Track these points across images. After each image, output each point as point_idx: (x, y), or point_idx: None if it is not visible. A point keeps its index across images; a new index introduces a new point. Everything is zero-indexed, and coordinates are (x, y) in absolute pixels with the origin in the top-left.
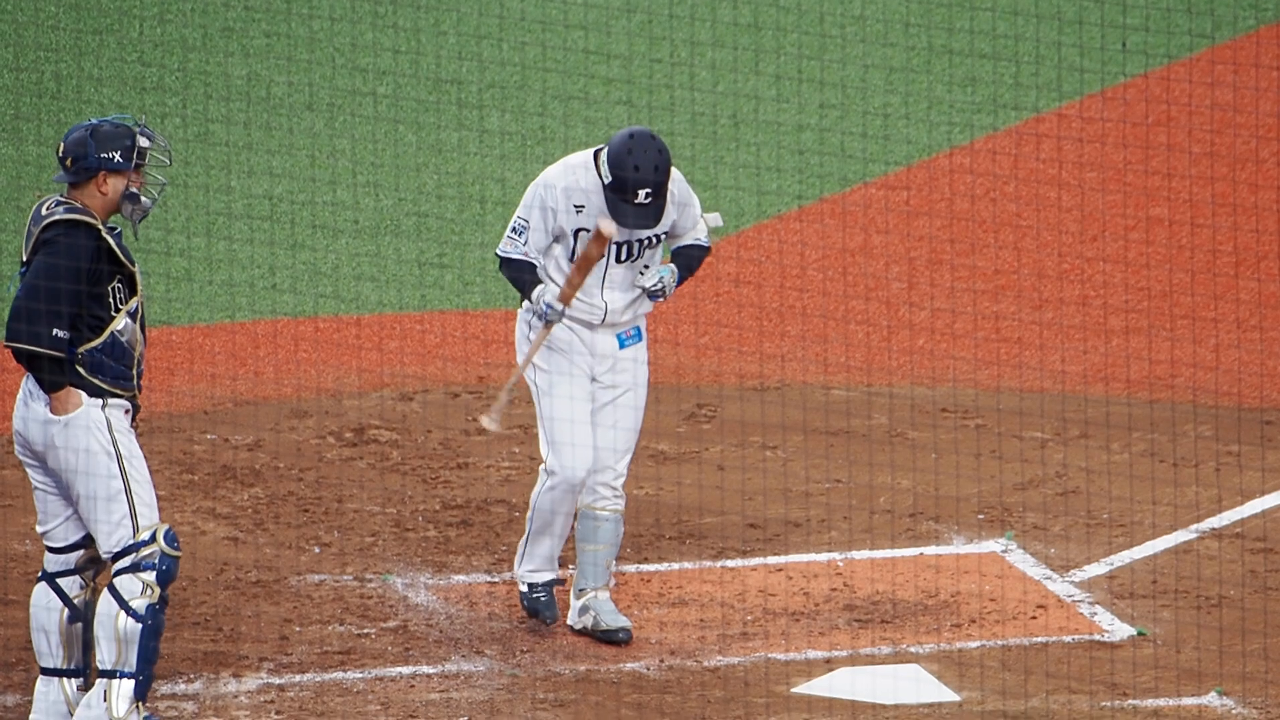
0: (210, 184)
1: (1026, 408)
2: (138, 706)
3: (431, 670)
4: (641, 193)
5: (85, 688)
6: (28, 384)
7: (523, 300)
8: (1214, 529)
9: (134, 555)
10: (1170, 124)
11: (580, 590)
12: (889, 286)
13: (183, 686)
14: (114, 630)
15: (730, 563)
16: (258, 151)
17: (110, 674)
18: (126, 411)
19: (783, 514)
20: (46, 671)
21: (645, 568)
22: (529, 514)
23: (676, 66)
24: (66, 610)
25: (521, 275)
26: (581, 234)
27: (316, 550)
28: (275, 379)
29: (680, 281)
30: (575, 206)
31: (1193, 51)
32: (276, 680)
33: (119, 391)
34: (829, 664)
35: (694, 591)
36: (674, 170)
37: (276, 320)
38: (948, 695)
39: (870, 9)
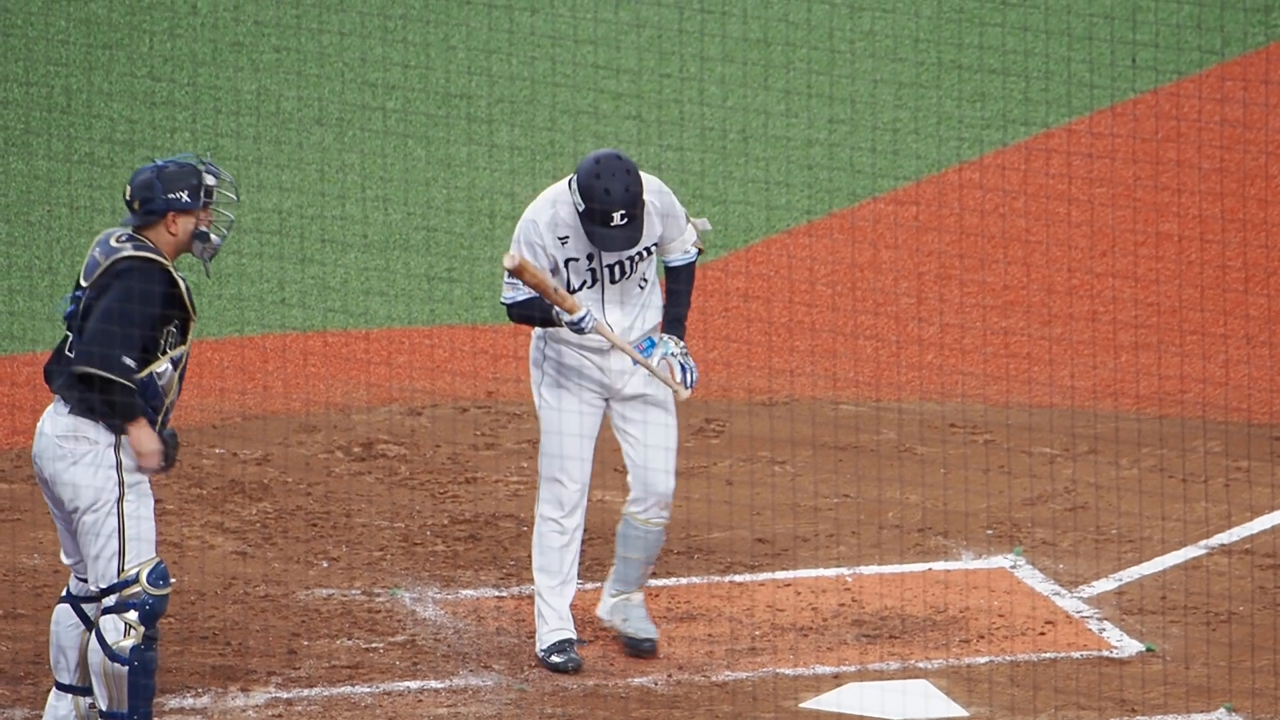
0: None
1: (1035, 423)
2: None
3: (439, 685)
4: (616, 215)
5: (95, 705)
6: (53, 409)
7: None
8: (1223, 545)
9: (117, 595)
10: (1180, 140)
11: (616, 591)
12: (898, 302)
13: (190, 701)
14: (103, 673)
15: (738, 578)
16: (267, 166)
17: (108, 716)
18: None
19: (791, 529)
20: (61, 687)
21: (653, 583)
22: (534, 565)
23: (686, 81)
24: (89, 633)
25: (533, 312)
26: (571, 263)
27: (324, 565)
28: (284, 393)
29: (685, 314)
30: (559, 239)
31: (1203, 68)
32: (284, 695)
33: None
34: (837, 679)
35: (702, 606)
36: (655, 181)
37: (285, 335)
38: (956, 711)
39: (880, 24)
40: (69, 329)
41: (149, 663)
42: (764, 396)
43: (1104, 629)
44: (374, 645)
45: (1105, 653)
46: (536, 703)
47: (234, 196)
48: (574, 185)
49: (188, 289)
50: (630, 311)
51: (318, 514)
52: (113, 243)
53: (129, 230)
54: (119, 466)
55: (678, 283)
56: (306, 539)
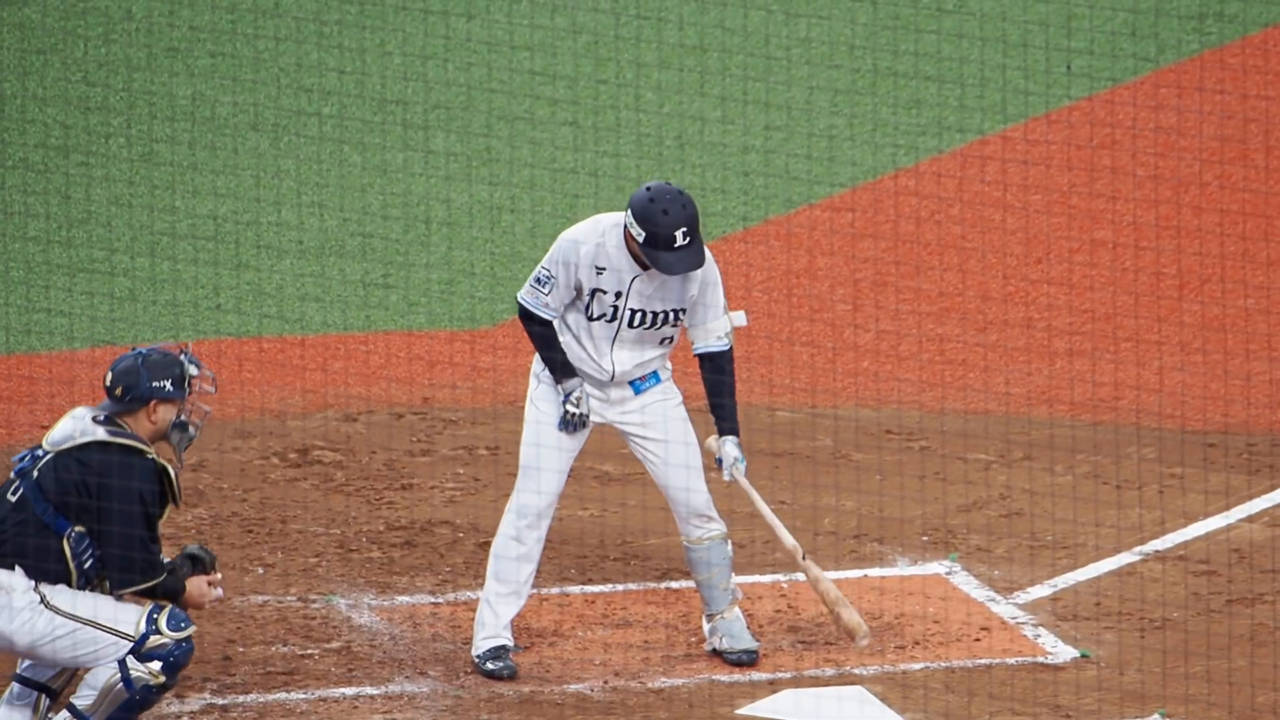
0: (155, 204)
1: (970, 430)
2: None
3: (375, 691)
4: (679, 234)
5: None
6: None
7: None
8: (1157, 551)
9: (142, 648)
10: (1114, 147)
11: (709, 615)
12: (834, 308)
13: None
14: (102, 683)
15: (674, 584)
16: (202, 171)
17: (78, 714)
18: None
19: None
20: (26, 682)
21: (589, 589)
22: (488, 570)
23: (622, 88)
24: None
25: (552, 351)
26: (598, 294)
27: (260, 571)
28: (219, 399)
29: (734, 408)
30: (597, 268)
31: (1137, 75)
32: (220, 701)
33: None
34: (773, 685)
35: (638, 613)
36: (707, 251)
37: (220, 340)
38: (891, 717)
39: (815, 31)
40: (16, 475)
41: (148, 703)
42: (700, 403)
43: (1039, 635)
44: (309, 651)
45: (1040, 659)
46: (472, 709)
47: (212, 389)
48: (631, 219)
49: (175, 476)
50: (636, 356)
51: (253, 520)
52: (90, 422)
53: (105, 413)
54: (44, 599)
55: (718, 374)
56: (242, 545)
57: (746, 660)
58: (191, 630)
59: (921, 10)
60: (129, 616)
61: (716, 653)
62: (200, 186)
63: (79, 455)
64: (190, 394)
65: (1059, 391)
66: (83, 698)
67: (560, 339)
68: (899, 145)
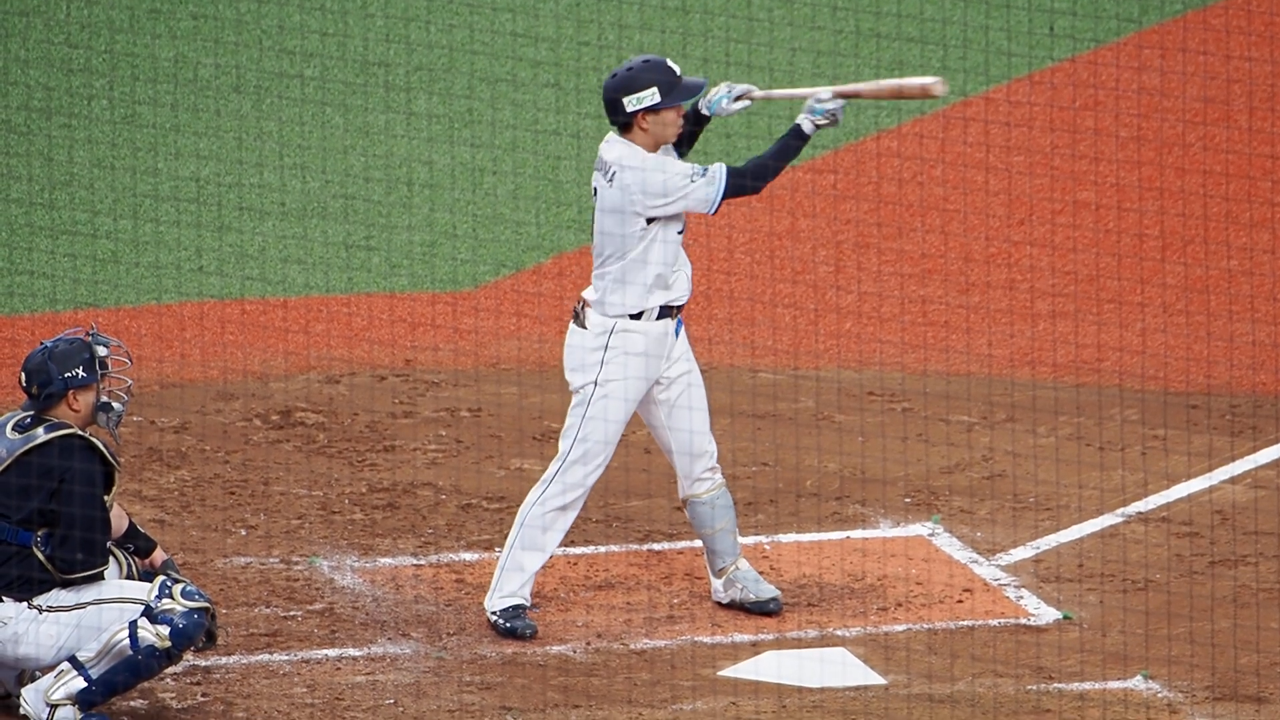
0: (137, 166)
1: (953, 391)
2: (75, 706)
3: (357, 653)
4: (669, 62)
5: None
6: None
7: (579, 323)
8: (1140, 513)
9: (154, 610)
10: (1097, 108)
11: (720, 569)
12: (816, 270)
13: None
14: (109, 637)
15: (657, 546)
16: (185, 134)
17: (78, 664)
18: None
19: None
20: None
21: (572, 551)
22: (515, 531)
23: (604, 49)
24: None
25: (766, 159)
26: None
27: (243, 533)
28: (202, 361)
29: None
30: None
31: (1120, 36)
32: (202, 663)
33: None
34: (755, 647)
35: (620, 574)
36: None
37: (203, 302)
38: (874, 679)
39: None
40: None
41: (148, 670)
42: None
43: (1021, 597)
44: (292, 613)
45: (1023, 620)
46: (455, 670)
47: (127, 361)
48: (634, 101)
49: (105, 447)
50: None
51: (236, 482)
52: (10, 432)
53: (29, 414)
54: (41, 609)
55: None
56: (224, 507)
57: (774, 609)
58: (204, 604)
59: None
60: (139, 587)
61: (735, 605)
62: (182, 149)
63: (24, 460)
64: (106, 373)
65: (1041, 353)
66: (86, 650)
67: (660, 277)
68: (881, 107)
